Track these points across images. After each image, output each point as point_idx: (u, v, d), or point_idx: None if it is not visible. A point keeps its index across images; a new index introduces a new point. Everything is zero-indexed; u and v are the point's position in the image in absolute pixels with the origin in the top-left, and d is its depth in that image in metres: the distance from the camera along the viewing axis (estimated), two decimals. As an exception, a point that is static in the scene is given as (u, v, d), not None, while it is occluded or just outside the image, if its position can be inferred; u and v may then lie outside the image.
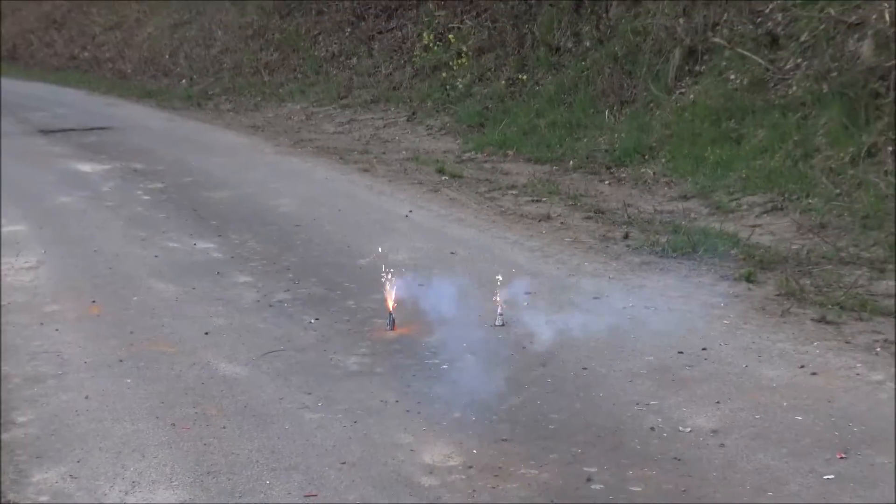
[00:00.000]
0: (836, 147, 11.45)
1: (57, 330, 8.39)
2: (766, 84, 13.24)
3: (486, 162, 15.07)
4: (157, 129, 20.17)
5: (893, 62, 11.61)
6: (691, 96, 14.25)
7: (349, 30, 24.31)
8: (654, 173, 13.08)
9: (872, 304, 8.18)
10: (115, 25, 32.97)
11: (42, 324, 8.53)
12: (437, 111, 18.92)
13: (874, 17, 12.36)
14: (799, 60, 13.11)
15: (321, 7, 25.83)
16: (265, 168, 15.45)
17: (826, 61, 12.51)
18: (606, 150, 14.29)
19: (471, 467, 5.80)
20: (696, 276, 9.29)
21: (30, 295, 9.41)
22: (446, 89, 19.42)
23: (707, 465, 5.75)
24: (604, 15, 17.19)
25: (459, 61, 19.73)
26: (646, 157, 13.66)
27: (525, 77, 17.87)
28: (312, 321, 8.44)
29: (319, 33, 25.17)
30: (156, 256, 10.58)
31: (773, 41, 13.75)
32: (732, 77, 13.85)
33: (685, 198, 12.06)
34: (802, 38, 13.27)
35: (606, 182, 13.24)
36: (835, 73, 12.22)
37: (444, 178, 13.96)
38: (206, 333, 8.20)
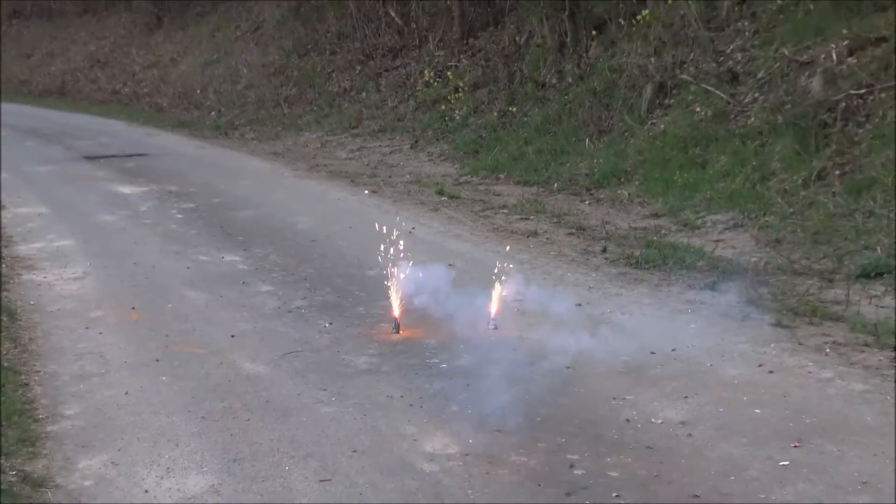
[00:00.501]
0: (790, 171, 11.45)
1: (100, 333, 8.37)
2: (727, 116, 13.24)
3: (480, 184, 15.06)
4: (189, 155, 20.15)
5: (840, 96, 11.62)
6: (662, 126, 14.24)
7: (359, 68, 24.32)
8: (628, 194, 13.07)
9: (822, 311, 8.17)
10: (153, 64, 32.98)
11: (87, 328, 8.51)
12: (437, 139, 18.91)
13: (823, 56, 12.38)
14: (756, 95, 13.12)
15: (334, 48, 25.85)
16: (285, 190, 15.43)
17: (781, 95, 12.52)
18: (587, 174, 14.28)
19: (467, 455, 5.79)
20: (667, 286, 9.28)
21: (76, 302, 9.39)
22: (445, 120, 19.41)
23: (677, 453, 5.74)
24: (584, 55, 17.20)
25: (457, 95, 19.73)
26: (622, 180, 13.65)
27: (515, 109, 17.87)
28: (327, 325, 8.42)
29: (333, 71, 25.18)
30: (188, 268, 10.57)
31: (734, 78, 13.76)
32: (698, 109, 13.85)
33: (656, 216, 12.05)
34: (759, 75, 13.28)
35: (587, 202, 13.22)
36: (788, 106, 12.23)
37: (443, 198, 13.95)
38: (233, 336, 8.18)
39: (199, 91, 29.00)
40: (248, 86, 27.26)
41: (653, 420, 6.23)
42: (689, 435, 5.99)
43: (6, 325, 8.46)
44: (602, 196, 13.36)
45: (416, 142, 19.15)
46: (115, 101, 32.61)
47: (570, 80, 17.12)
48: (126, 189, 15.77)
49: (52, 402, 6.84)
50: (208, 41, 31.49)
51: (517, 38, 19.81)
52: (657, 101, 14.88)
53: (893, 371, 6.87)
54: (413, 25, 23.55)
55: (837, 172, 11.02)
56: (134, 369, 7.47)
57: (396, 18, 24.09)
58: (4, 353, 7.74)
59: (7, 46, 40.88)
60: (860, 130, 11.28)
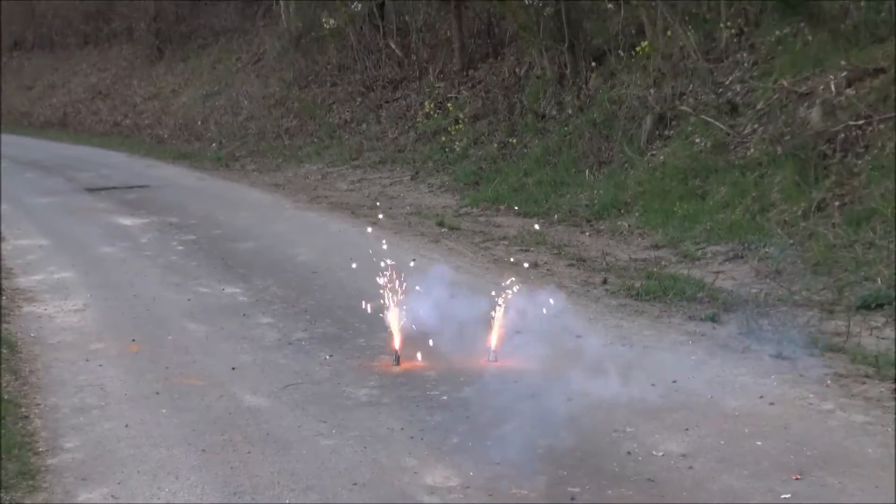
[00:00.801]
0: (790, 202, 11.47)
1: (100, 365, 8.37)
2: (727, 147, 13.28)
3: (480, 216, 15.08)
4: (190, 187, 20.19)
5: (839, 127, 11.66)
6: (661, 157, 14.28)
7: (360, 99, 24.40)
8: (629, 226, 13.09)
9: (823, 342, 8.17)
10: (154, 96, 33.09)
11: (87, 360, 8.51)
12: (437, 171, 18.95)
13: (821, 87, 12.43)
14: (756, 126, 13.16)
15: (335, 79, 25.94)
16: (285, 222, 15.46)
17: (780, 126, 12.55)
18: (586, 205, 14.29)
19: (468, 488, 5.78)
20: (667, 317, 9.28)
21: (77, 334, 9.40)
22: (445, 152, 19.46)
23: (678, 485, 5.74)
24: (583, 86, 17.26)
25: (457, 127, 19.79)
26: (622, 211, 13.67)
27: (514, 141, 17.92)
28: (327, 357, 8.42)
29: (334, 102, 25.26)
30: (188, 300, 10.57)
31: (733, 109, 13.81)
32: (697, 140, 13.89)
33: (656, 247, 12.06)
34: (759, 107, 13.33)
35: (587, 234, 13.24)
36: (788, 137, 12.26)
37: (443, 230, 13.96)
38: (233, 368, 8.18)
39: (199, 122, 29.08)
40: (249, 117, 27.34)
41: (654, 452, 6.22)
42: (690, 467, 5.98)
43: (6, 357, 8.47)
44: (602, 227, 13.38)
45: (417, 173, 19.19)
46: (116, 133, 32.70)
47: (569, 111, 17.18)
48: (127, 221, 15.79)
49: (53, 434, 6.83)
50: (209, 73, 31.61)
51: (517, 70, 19.90)
52: (657, 133, 14.93)
53: (894, 403, 6.87)
54: (413, 57, 23.65)
55: (837, 203, 11.04)
56: (134, 402, 7.47)
57: (397, 50, 24.20)
58: (4, 385, 7.74)
59: (8, 78, 41.03)
60: (859, 161, 11.31)
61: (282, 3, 28.03)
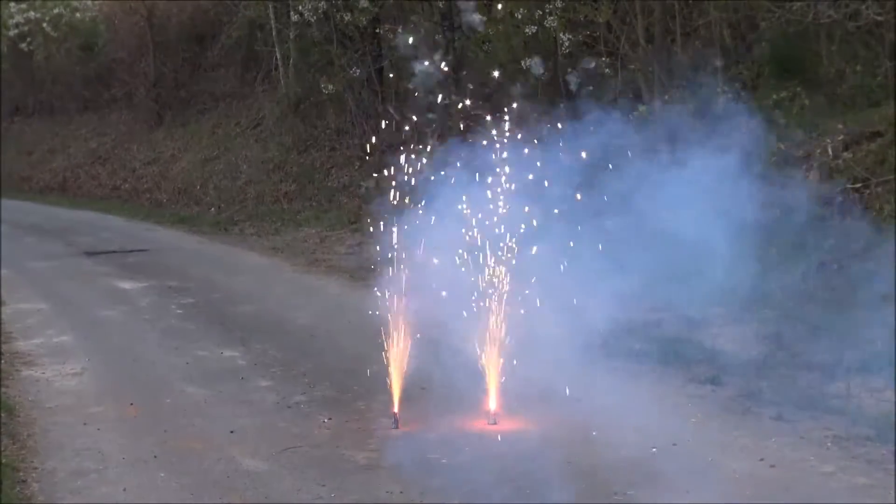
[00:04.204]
0: (789, 264, 11.49)
1: (99, 429, 8.37)
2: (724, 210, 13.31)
3: (479, 279, 15.08)
4: (189, 251, 20.23)
5: (838, 190, 11.73)
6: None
7: (358, 164, 24.50)
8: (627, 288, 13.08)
9: (823, 404, 8.17)
10: (153, 160, 33.21)
11: (85, 423, 8.51)
12: (438, 235, 18.96)
13: (819, 151, 12.51)
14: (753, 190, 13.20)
15: (334, 144, 26.08)
16: (284, 285, 15.48)
17: (778, 189, 12.61)
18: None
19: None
20: (668, 380, 9.28)
21: (75, 398, 9.40)
22: (445, 215, 19.49)
23: (679, 548, 5.72)
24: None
25: (456, 190, 19.83)
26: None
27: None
28: (326, 420, 8.42)
29: (332, 167, 25.38)
30: (187, 363, 10.58)
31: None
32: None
33: (657, 309, 12.06)
34: (757, 170, 13.39)
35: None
36: (786, 200, 12.31)
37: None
38: (232, 432, 8.18)
39: (198, 187, 29.17)
40: (248, 182, 27.43)
41: (655, 515, 6.21)
42: (692, 530, 5.97)
43: (5, 421, 8.47)
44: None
45: (417, 236, 19.21)
46: (115, 198, 32.75)
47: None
48: (126, 284, 15.81)
49: (50, 498, 6.82)
50: (209, 137, 31.76)
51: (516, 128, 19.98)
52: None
53: (895, 465, 6.86)
54: (413, 121, 23.76)
55: (836, 266, 11.07)
56: (132, 465, 7.46)
57: (395, 115, 24.35)
58: (3, 449, 7.73)
59: (8, 144, 41.18)
60: (858, 224, 11.35)
61: (281, 68, 28.24)
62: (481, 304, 8.53)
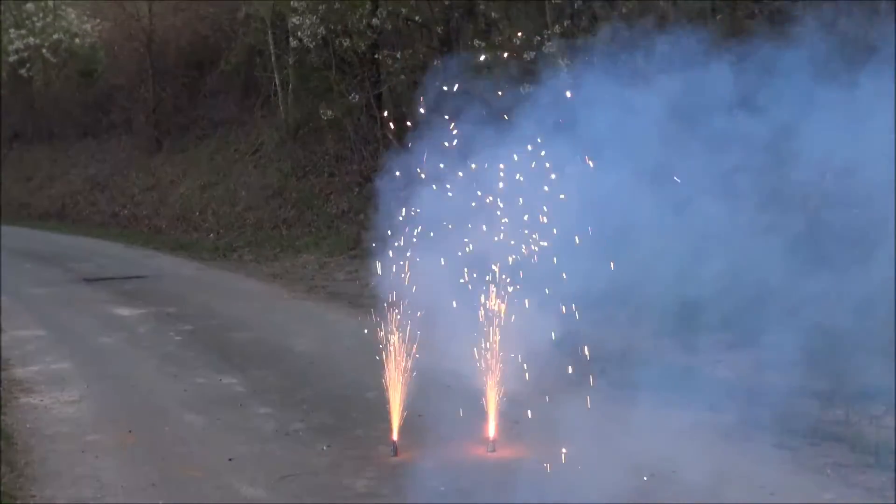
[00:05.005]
0: (788, 290, 11.49)
1: (97, 457, 8.36)
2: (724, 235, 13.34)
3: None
4: (188, 277, 20.25)
5: (836, 216, 11.74)
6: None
7: (357, 189, 24.56)
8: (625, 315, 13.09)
9: (823, 431, 8.18)
10: (152, 187, 33.27)
11: (84, 451, 8.50)
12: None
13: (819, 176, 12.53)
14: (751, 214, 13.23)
15: (332, 170, 26.15)
16: (283, 312, 15.49)
17: (777, 214, 12.63)
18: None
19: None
20: (666, 407, 9.27)
21: (73, 425, 9.39)
22: (445, 241, 19.50)
23: (678, 576, 5.72)
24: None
25: (457, 216, 19.85)
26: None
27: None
28: (325, 448, 8.42)
29: (331, 193, 25.43)
30: (185, 391, 10.58)
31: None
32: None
33: (655, 336, 12.07)
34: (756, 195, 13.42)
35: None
36: (785, 225, 12.33)
37: (442, 320, 13.98)
38: (230, 459, 8.17)
39: (197, 213, 29.22)
40: (247, 208, 27.49)
41: (654, 544, 6.21)
42: (692, 559, 5.96)
43: (3, 448, 8.46)
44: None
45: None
46: (114, 224, 32.81)
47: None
48: (124, 311, 15.81)
49: (48, 527, 6.81)
50: (207, 164, 31.84)
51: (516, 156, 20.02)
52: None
53: (895, 492, 6.86)
54: (411, 146, 23.82)
55: (835, 291, 11.07)
56: (130, 494, 7.45)
57: (394, 140, 24.41)
58: (1, 477, 7.72)
59: (8, 170, 41.27)
60: (857, 250, 11.36)
61: (280, 94, 28.34)
62: (483, 332, 8.54)
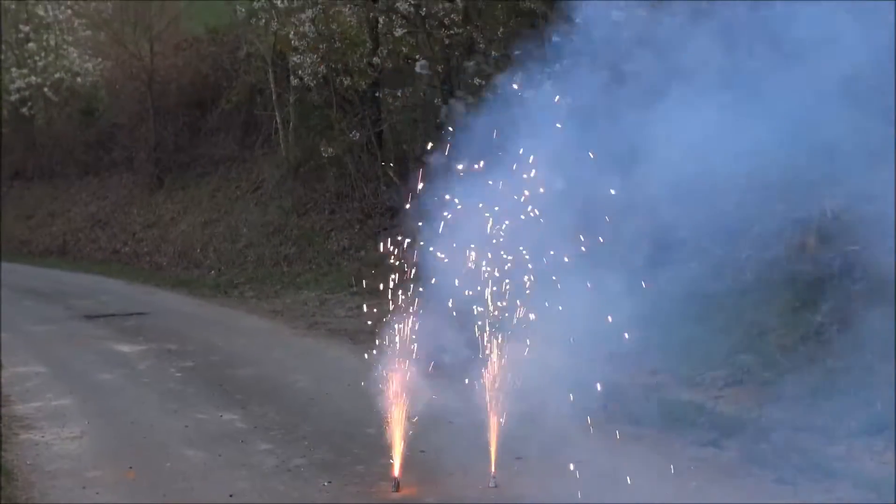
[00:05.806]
0: (788, 327, 11.52)
1: (97, 493, 8.36)
2: (723, 271, 13.35)
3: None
4: (189, 314, 20.26)
5: (836, 252, 11.76)
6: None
7: (358, 226, 24.61)
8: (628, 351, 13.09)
9: (824, 467, 8.17)
10: (153, 223, 33.33)
11: (84, 487, 8.50)
12: (438, 298, 18.96)
13: (818, 213, 12.56)
14: (751, 252, 13.25)
15: (333, 207, 26.20)
16: (284, 348, 15.49)
17: (777, 252, 12.66)
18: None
19: None
20: (667, 443, 9.27)
21: (74, 462, 9.39)
22: (446, 279, 19.50)
23: None
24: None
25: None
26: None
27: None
28: (326, 484, 8.41)
29: (332, 230, 25.47)
30: (186, 427, 10.57)
31: (730, 234, 13.91)
32: (693, 266, 13.95)
33: (656, 373, 12.07)
34: (755, 232, 13.44)
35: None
36: (784, 262, 12.36)
37: (443, 356, 13.97)
38: (231, 495, 8.17)
39: (198, 250, 29.25)
40: (248, 245, 27.52)
41: (656, 579, 6.20)
42: None
43: (3, 485, 8.45)
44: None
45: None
46: (115, 261, 32.84)
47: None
48: (125, 348, 15.81)
49: (48, 563, 6.80)
50: (209, 201, 31.91)
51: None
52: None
53: (897, 527, 6.86)
54: (412, 185, 23.87)
55: (836, 328, 11.09)
56: (131, 529, 7.45)
57: (395, 178, 24.48)
58: (1, 513, 7.72)
59: (8, 207, 41.35)
60: (857, 286, 11.39)
61: (280, 132, 28.45)
62: (483, 371, 8.56)
